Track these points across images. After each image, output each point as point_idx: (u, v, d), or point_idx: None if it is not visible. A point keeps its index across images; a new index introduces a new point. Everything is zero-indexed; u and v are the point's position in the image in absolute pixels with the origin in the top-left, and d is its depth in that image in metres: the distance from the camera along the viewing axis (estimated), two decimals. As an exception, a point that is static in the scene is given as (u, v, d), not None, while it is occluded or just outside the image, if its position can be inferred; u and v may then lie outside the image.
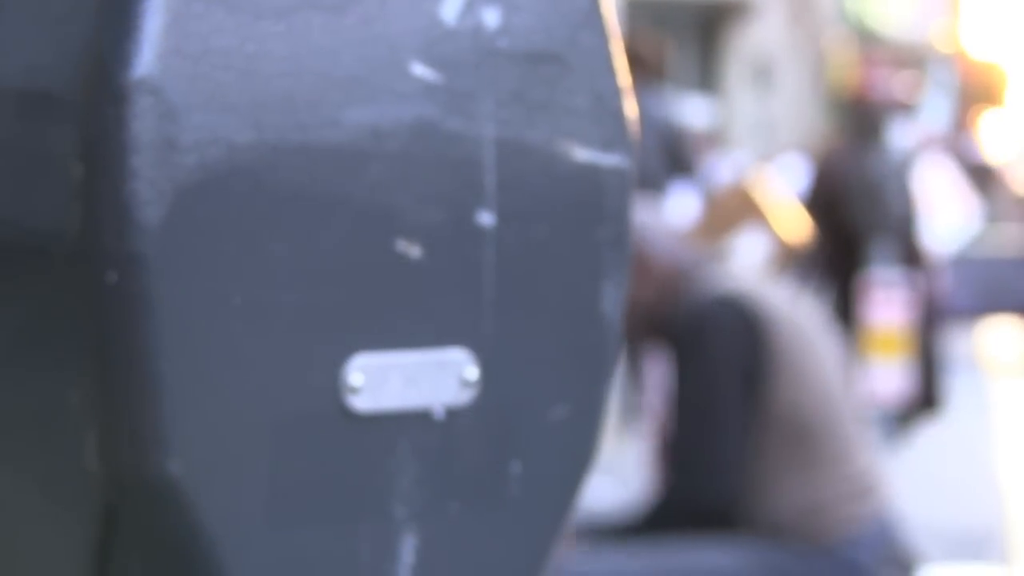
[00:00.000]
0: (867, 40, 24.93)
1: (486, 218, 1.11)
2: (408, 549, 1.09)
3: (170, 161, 0.99)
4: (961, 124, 25.69)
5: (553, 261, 1.13)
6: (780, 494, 3.60)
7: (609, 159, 1.16)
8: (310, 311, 1.05)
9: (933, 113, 22.78)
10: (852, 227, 8.01)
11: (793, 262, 7.91)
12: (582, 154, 1.14)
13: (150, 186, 0.99)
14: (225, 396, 1.03)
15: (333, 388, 1.06)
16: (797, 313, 3.67)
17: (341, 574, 1.07)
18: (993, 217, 16.89)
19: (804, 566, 3.58)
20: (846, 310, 7.89)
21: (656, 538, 3.59)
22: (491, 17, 1.11)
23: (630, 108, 1.18)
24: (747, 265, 7.39)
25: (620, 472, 7.40)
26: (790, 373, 3.60)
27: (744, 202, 7.53)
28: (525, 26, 1.13)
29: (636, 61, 9.52)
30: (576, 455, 1.15)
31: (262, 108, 1.03)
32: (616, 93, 1.17)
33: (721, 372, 3.52)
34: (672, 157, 9.64)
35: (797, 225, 7.61)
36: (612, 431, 9.87)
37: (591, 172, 1.15)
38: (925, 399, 8.14)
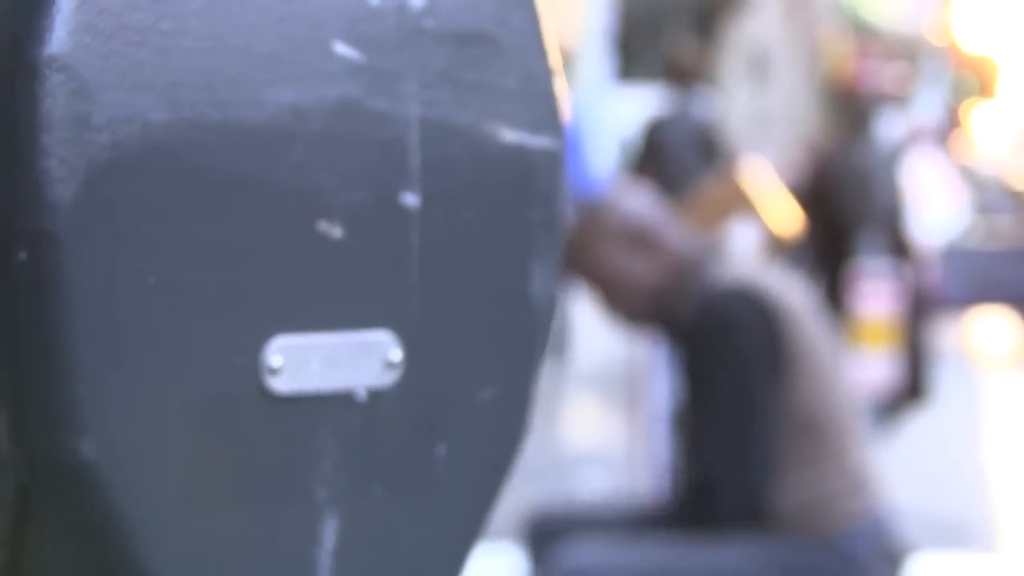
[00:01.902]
0: (862, 32, 24.93)
1: (410, 199, 1.09)
2: (330, 532, 1.08)
3: (82, 139, 0.98)
4: (953, 117, 25.68)
5: (481, 243, 1.12)
6: (784, 489, 3.59)
7: (539, 140, 1.15)
8: (229, 292, 1.04)
9: (925, 106, 22.76)
10: (841, 218, 8.01)
11: (782, 253, 7.90)
12: (511, 135, 1.13)
13: (61, 164, 0.97)
14: (141, 377, 1.01)
15: (252, 370, 1.05)
16: (804, 304, 3.66)
17: (261, 557, 1.06)
18: (984, 209, 16.89)
19: (804, 559, 3.58)
20: (835, 301, 7.89)
21: (660, 534, 3.57)
22: (417, -4, 1.10)
23: (561, 89, 1.16)
24: (750, 254, 7.38)
25: (609, 460, 7.39)
26: (803, 366, 3.59)
27: (734, 193, 7.52)
28: (452, 6, 1.12)
29: (677, 69, 9.78)
30: (504, 437, 1.14)
31: (179, 86, 1.02)
32: (546, 74, 1.16)
33: (752, 364, 3.50)
34: (708, 154, 9.88)
35: (787, 216, 7.59)
36: (601, 419, 9.88)
37: (520, 153, 1.14)
38: (912, 390, 8.14)
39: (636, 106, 19.80)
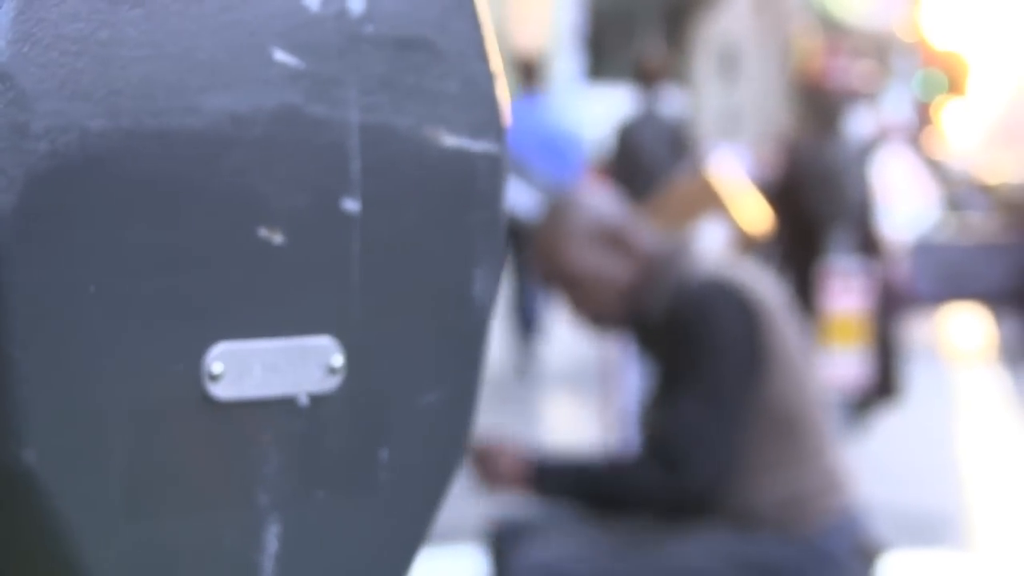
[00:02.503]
0: (831, 29, 24.98)
1: (351, 204, 1.10)
2: (272, 537, 1.08)
3: (21, 148, 0.99)
4: (924, 113, 25.76)
5: (422, 247, 1.13)
6: (761, 486, 3.59)
7: (479, 144, 1.15)
8: (169, 299, 1.05)
9: (895, 102, 22.83)
10: (810, 215, 8.03)
11: (752, 251, 7.92)
12: (451, 140, 1.14)
13: (0, 173, 0.98)
14: (81, 384, 1.02)
15: (194, 376, 1.06)
16: (777, 301, 3.66)
17: (204, 563, 1.07)
18: (954, 205, 16.95)
19: (779, 556, 3.58)
20: (804, 298, 7.91)
21: (630, 526, 3.56)
22: (356, 3, 1.11)
23: (502, 93, 1.17)
24: (720, 251, 7.39)
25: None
26: (778, 363, 3.59)
27: (704, 191, 7.53)
28: (392, 12, 1.13)
29: (645, 71, 10.26)
30: (448, 441, 1.14)
31: (117, 94, 1.02)
32: (487, 79, 1.16)
33: (725, 355, 3.50)
34: (681, 154, 10.23)
35: (756, 214, 7.61)
36: (573, 417, 9.89)
37: (461, 157, 1.14)
38: (883, 387, 8.16)
39: (607, 105, 19.80)
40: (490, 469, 3.61)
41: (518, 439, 3.66)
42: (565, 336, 11.77)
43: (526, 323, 11.39)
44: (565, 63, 20.49)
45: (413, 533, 1.13)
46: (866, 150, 8.95)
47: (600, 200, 3.73)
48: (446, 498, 1.12)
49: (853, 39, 25.11)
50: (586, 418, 8.84)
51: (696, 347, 3.52)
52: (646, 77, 10.36)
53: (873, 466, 8.38)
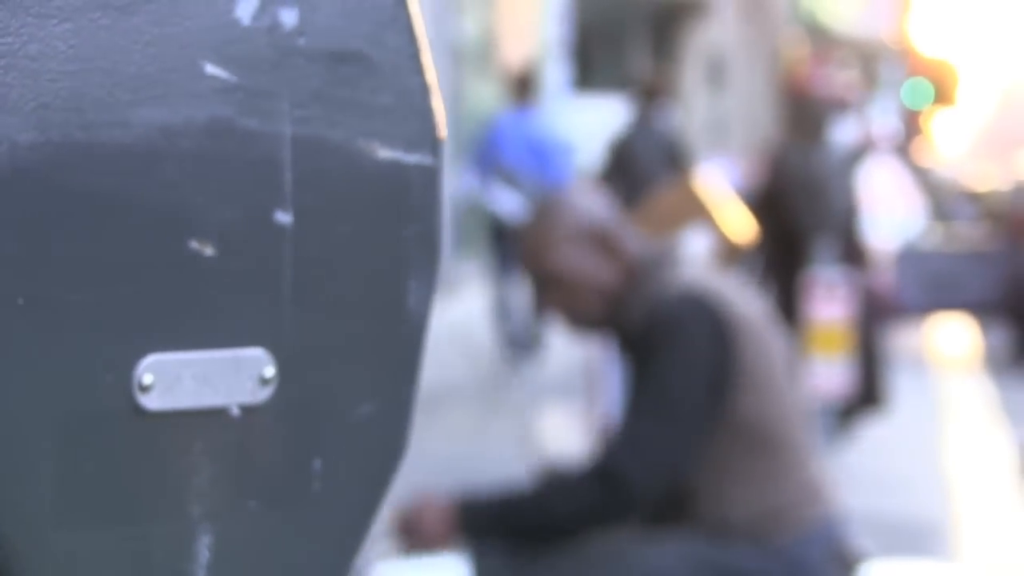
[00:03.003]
0: (819, 37, 25.00)
1: (283, 217, 1.11)
2: (204, 548, 1.09)
3: (-52, 162, 0.99)
4: (911, 122, 25.78)
5: (355, 258, 1.14)
6: (735, 498, 3.58)
7: (413, 157, 1.16)
8: (100, 311, 1.05)
9: (882, 111, 22.85)
10: (794, 225, 8.04)
11: (736, 260, 7.93)
12: (385, 152, 1.15)
13: (-73, 186, 0.99)
14: (11, 395, 1.03)
15: (124, 388, 1.06)
16: (757, 313, 3.66)
17: (135, 573, 1.07)
18: (941, 215, 16.96)
19: (752, 565, 3.57)
20: (788, 308, 7.91)
21: (605, 540, 3.54)
22: (288, 16, 1.12)
23: (438, 106, 1.18)
24: (703, 262, 7.40)
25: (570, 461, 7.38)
26: (754, 379, 3.58)
27: (689, 200, 7.54)
28: (325, 25, 1.13)
29: (644, 88, 11.01)
30: (383, 452, 1.15)
31: (46, 108, 1.03)
32: (423, 91, 1.17)
33: (689, 370, 3.49)
34: (672, 160, 10.68)
35: (741, 223, 7.63)
36: (563, 421, 9.88)
37: (395, 170, 1.15)
38: (868, 396, 8.17)
39: (594, 115, 19.80)
40: (414, 531, 3.58)
41: (435, 492, 3.64)
42: (558, 343, 11.77)
43: (512, 332, 11.41)
44: (552, 74, 20.47)
45: (347, 545, 1.14)
46: (851, 159, 8.97)
47: (589, 201, 3.73)
48: (381, 509, 1.12)
49: (841, 47, 25.14)
50: (575, 422, 8.85)
51: (660, 359, 3.52)
52: (645, 92, 10.80)
53: (858, 474, 8.39)
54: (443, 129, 1.17)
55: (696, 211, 7.45)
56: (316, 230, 1.12)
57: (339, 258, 1.13)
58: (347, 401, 1.13)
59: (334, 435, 1.13)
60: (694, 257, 7.72)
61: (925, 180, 20.83)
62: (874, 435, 9.27)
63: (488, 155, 11.40)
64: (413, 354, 1.16)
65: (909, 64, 27.60)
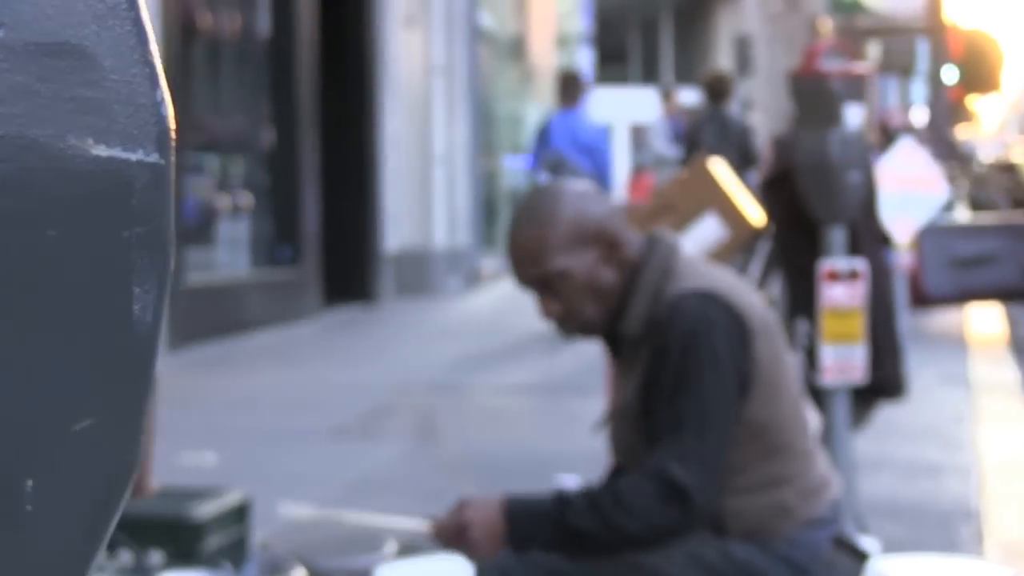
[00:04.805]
0: (852, 14, 24.85)
1: (-17, 222, 1.02)
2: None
3: None
4: (948, 98, 25.53)
5: (68, 265, 1.05)
6: (745, 500, 3.53)
7: (136, 154, 1.07)
8: None
9: (918, 92, 22.63)
10: (807, 211, 7.90)
11: (748, 246, 7.83)
12: (101, 150, 1.06)
13: None
14: None
15: None
16: (765, 312, 3.59)
17: None
18: (973, 200, 16.75)
19: (761, 565, 3.51)
20: (801, 295, 7.79)
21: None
22: (-13, 8, 1.03)
23: (165, 99, 1.09)
24: (706, 257, 7.31)
25: (585, 461, 7.31)
26: (768, 378, 3.53)
27: (705, 183, 7.45)
28: (32, 16, 1.05)
29: (714, 87, 13.33)
30: (107, 469, 1.07)
31: None
32: (147, 84, 1.08)
33: (719, 372, 3.43)
34: (745, 156, 12.44)
35: (755, 208, 7.53)
36: (576, 420, 9.78)
37: (114, 169, 1.06)
38: (887, 383, 8.03)
39: (616, 106, 19.76)
40: (460, 540, 3.47)
41: (481, 498, 3.52)
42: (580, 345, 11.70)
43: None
44: (578, 64, 20.40)
45: (70, 569, 1.05)
46: (868, 144, 8.82)
47: (587, 200, 3.63)
48: (109, 531, 1.04)
49: (876, 29, 25.00)
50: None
51: (689, 362, 3.43)
52: (712, 89, 13.42)
53: (885, 459, 8.27)
54: (171, 123, 1.08)
55: (712, 195, 7.35)
56: (20, 235, 1.03)
57: (49, 264, 1.05)
58: (63, 416, 1.05)
59: (48, 452, 1.04)
60: (694, 255, 7.62)
61: (960, 155, 20.59)
62: (901, 419, 9.13)
63: (540, 151, 13.26)
64: (141, 363, 1.07)
65: (947, 40, 27.31)
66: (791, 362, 3.61)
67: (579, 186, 3.66)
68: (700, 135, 13.55)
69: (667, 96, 17.83)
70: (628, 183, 22.64)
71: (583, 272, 3.58)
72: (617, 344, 3.70)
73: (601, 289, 3.60)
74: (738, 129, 13.91)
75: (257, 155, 16.41)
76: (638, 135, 21.50)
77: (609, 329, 3.64)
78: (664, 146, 16.77)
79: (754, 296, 3.62)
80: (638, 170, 22.35)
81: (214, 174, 15.73)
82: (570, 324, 3.67)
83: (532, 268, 3.60)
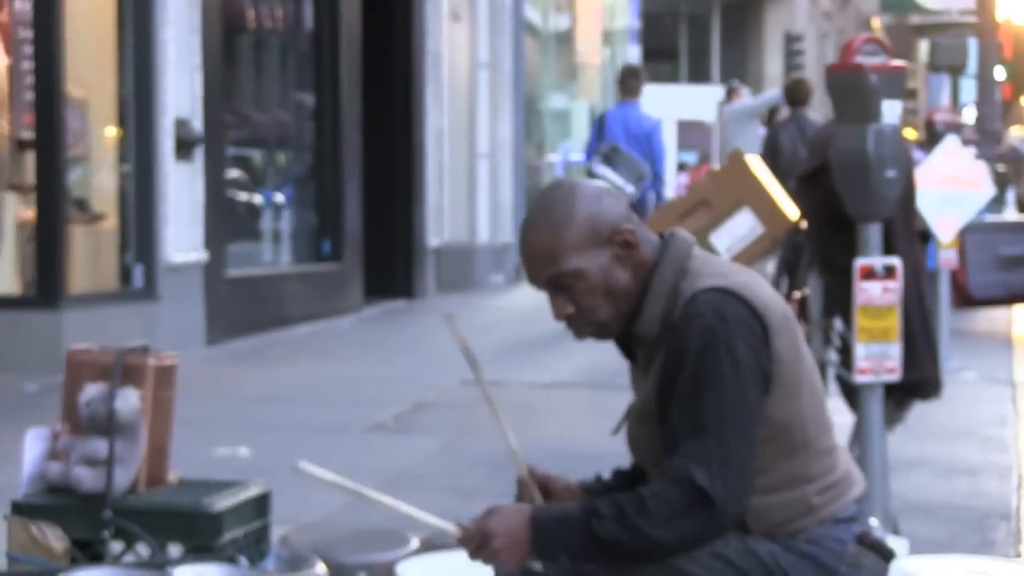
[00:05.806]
0: (904, 12, 24.68)
1: None
2: None
3: None
4: (1001, 95, 25.28)
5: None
6: (769, 499, 3.50)
7: None
8: None
9: (968, 90, 22.45)
10: (844, 208, 7.84)
11: (781, 242, 7.77)
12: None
13: None
14: None
15: None
16: (785, 309, 3.56)
17: None
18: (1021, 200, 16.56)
19: (785, 564, 3.49)
20: (839, 293, 7.73)
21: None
22: None
23: None
24: (732, 257, 7.25)
25: (605, 458, 7.27)
26: (788, 376, 3.50)
27: (743, 178, 7.41)
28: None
29: (790, 95, 14.21)
30: None
31: None
32: None
33: (740, 373, 3.40)
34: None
35: (790, 205, 7.48)
36: (593, 416, 9.73)
37: None
38: (924, 383, 7.96)
39: (662, 104, 19.67)
40: (486, 549, 3.44)
41: (508, 506, 3.47)
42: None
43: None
44: (624, 60, 20.36)
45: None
46: (903, 141, 8.73)
47: (602, 200, 3.59)
48: None
49: (930, 27, 24.80)
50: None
51: (708, 364, 3.40)
52: (793, 99, 14.47)
53: (923, 458, 8.19)
54: None
55: (747, 190, 7.30)
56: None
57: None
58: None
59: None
60: (736, 244, 7.56)
61: (1015, 162, 20.37)
62: (942, 420, 9.06)
63: (595, 143, 13.73)
64: None
65: (1001, 38, 27.03)
66: (811, 358, 3.57)
67: (594, 185, 3.62)
68: (778, 139, 13.80)
69: (731, 93, 17.90)
70: (691, 173, 22.75)
71: (598, 272, 3.54)
72: (631, 346, 3.66)
73: (616, 290, 3.55)
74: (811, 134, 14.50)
75: (300, 150, 16.42)
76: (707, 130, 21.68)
77: (624, 330, 3.60)
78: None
79: (772, 291, 3.58)
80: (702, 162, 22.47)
81: (257, 168, 15.75)
82: (583, 325, 3.62)
83: (546, 268, 3.55)
